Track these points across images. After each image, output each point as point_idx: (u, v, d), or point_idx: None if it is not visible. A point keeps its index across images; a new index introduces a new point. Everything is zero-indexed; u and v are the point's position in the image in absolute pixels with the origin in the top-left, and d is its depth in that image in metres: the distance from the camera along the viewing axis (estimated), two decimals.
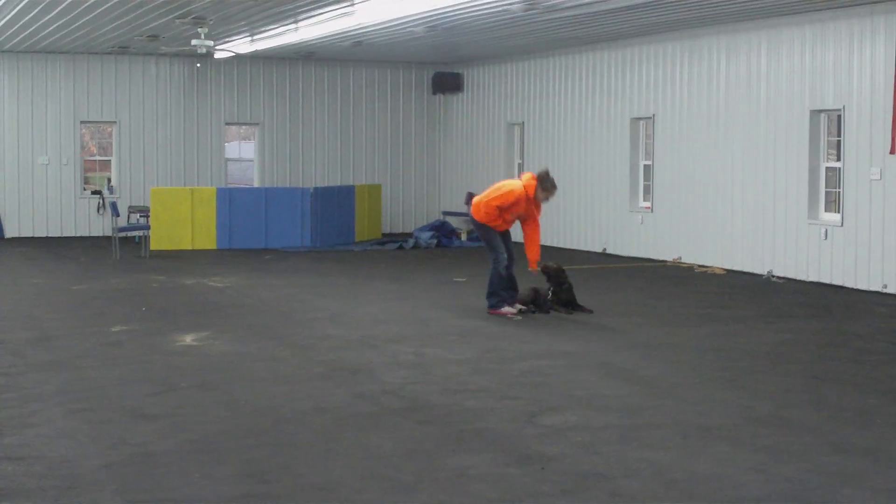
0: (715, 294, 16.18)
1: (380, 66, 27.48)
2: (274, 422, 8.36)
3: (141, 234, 22.22)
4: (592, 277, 17.89)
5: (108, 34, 21.03)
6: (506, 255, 13.86)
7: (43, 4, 17.03)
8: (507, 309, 13.80)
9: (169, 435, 7.94)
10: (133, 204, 25.31)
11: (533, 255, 13.85)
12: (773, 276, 17.86)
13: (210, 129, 26.56)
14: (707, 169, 19.59)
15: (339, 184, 26.64)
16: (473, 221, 14.15)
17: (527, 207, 13.76)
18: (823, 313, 14.38)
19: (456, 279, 17.78)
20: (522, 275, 14.20)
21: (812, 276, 17.33)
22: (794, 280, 17.53)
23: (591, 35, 20.74)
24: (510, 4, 16.38)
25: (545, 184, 13.71)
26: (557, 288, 14.04)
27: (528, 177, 13.83)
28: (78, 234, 25.54)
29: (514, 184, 13.95)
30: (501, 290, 13.86)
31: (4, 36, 21.48)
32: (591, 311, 14.00)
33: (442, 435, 7.99)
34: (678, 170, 20.29)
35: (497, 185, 14.18)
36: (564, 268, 14.35)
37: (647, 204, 21.28)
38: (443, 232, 24.60)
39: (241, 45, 22.28)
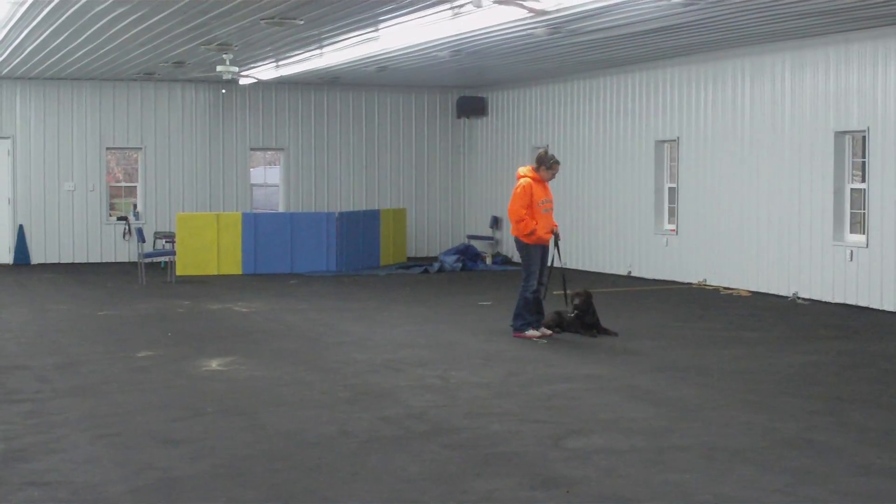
0: (740, 316, 16.13)
1: (404, 91, 27.58)
2: (300, 446, 8.38)
3: (167, 259, 22.30)
4: (618, 300, 17.87)
5: (133, 60, 21.18)
6: (536, 281, 13.89)
7: (69, 31, 17.17)
8: (531, 332, 13.81)
9: (195, 460, 7.97)
10: (159, 229, 25.45)
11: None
12: (799, 298, 17.79)
13: (235, 154, 26.68)
14: (732, 191, 19.55)
15: (363, 208, 26.71)
16: (517, 242, 14.13)
17: (544, 191, 13.89)
18: (849, 335, 14.31)
19: (481, 303, 17.78)
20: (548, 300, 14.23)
21: (837, 298, 17.26)
22: (820, 302, 17.46)
23: (615, 58, 20.77)
24: (534, 28, 16.42)
25: (546, 163, 13.88)
26: (582, 313, 14.04)
27: (526, 169, 13.96)
28: (104, 260, 25.66)
29: (520, 181, 13.93)
30: (528, 313, 13.87)
31: (31, 63, 21.66)
32: (615, 334, 13.99)
33: (467, 458, 7.99)
34: (703, 192, 20.26)
35: (512, 196, 14.17)
36: (591, 292, 14.37)
37: (673, 226, 21.25)
38: (468, 255, 24.59)
39: (266, 70, 22.40)
